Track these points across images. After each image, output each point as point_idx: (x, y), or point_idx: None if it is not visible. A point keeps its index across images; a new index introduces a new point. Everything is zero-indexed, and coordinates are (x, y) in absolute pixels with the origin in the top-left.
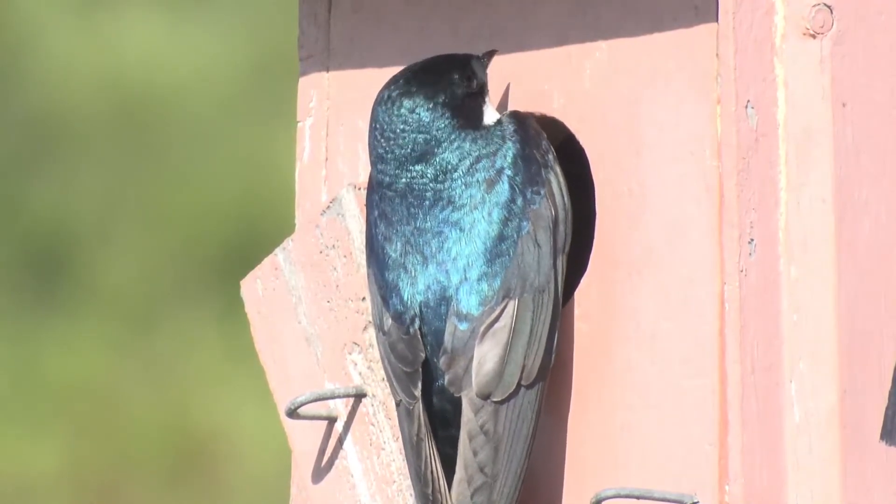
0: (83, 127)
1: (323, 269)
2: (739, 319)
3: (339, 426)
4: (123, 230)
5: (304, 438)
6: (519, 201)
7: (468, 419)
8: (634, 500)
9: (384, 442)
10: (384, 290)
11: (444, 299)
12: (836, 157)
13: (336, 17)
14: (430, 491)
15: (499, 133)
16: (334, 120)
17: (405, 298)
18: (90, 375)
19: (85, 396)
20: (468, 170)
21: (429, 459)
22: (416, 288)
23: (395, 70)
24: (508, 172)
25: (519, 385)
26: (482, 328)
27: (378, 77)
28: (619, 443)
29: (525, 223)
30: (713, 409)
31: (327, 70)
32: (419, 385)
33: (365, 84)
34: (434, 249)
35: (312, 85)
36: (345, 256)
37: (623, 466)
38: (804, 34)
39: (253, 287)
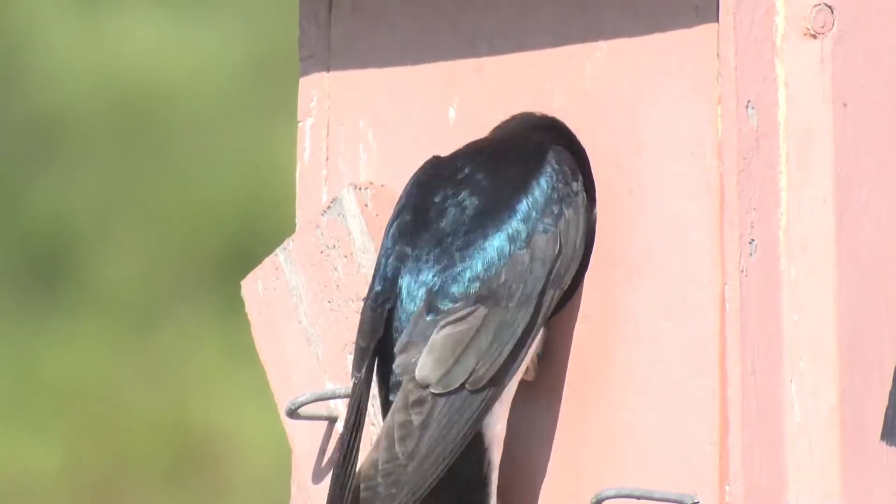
0: (83, 127)
1: (323, 269)
2: (740, 319)
3: (339, 426)
4: (123, 230)
5: (304, 438)
6: (527, 226)
7: (402, 403)
8: (635, 500)
9: None
10: (377, 269)
11: (424, 290)
12: (836, 158)
13: (336, 16)
14: (342, 468)
15: (535, 159)
16: (335, 120)
17: (388, 278)
18: (90, 375)
19: (85, 396)
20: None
21: (353, 435)
22: (401, 272)
23: (395, 70)
24: (529, 199)
25: (462, 386)
26: (443, 322)
27: (378, 77)
28: (620, 443)
29: (526, 247)
30: (713, 410)
31: (328, 70)
32: (366, 361)
33: (366, 84)
34: (432, 244)
35: (313, 85)
36: (345, 256)
37: (623, 467)
38: (805, 34)
39: (253, 287)
